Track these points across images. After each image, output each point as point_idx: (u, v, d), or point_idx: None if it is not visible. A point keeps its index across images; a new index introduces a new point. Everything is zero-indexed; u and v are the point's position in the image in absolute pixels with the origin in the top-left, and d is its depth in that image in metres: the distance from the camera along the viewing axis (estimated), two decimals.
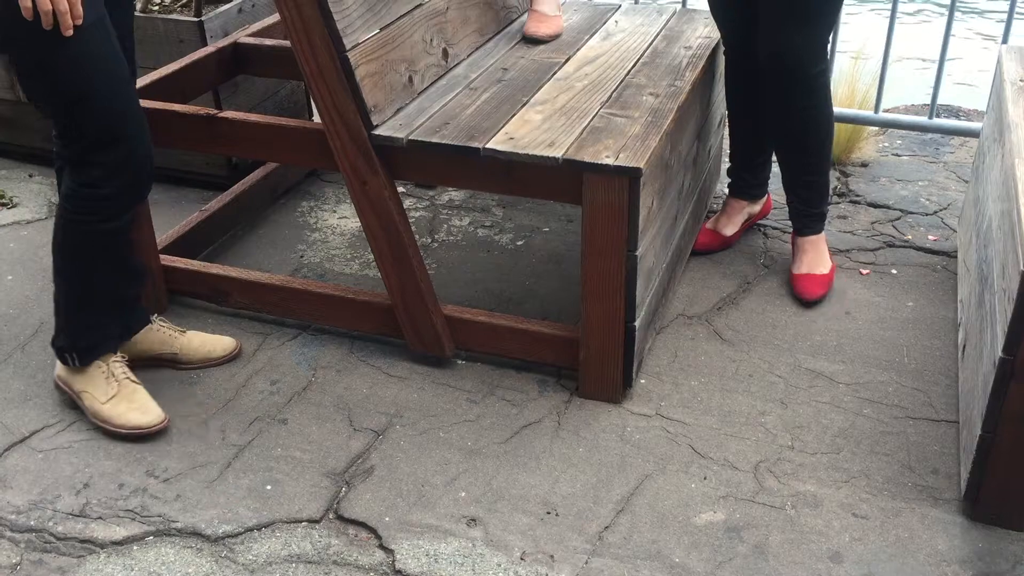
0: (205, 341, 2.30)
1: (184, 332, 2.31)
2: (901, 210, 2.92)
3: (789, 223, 2.67)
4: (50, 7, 1.67)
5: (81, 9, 1.71)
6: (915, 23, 6.21)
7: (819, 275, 2.52)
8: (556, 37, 2.65)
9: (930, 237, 2.77)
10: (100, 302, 2.07)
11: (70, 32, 1.71)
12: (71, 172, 1.91)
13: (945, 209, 2.92)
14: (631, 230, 1.98)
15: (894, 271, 2.62)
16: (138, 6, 2.93)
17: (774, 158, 2.65)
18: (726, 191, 2.77)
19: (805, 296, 2.49)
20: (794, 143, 2.48)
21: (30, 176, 3.21)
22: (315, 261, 2.74)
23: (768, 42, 2.31)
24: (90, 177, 1.89)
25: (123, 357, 2.15)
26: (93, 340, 2.08)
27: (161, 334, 2.28)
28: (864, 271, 2.62)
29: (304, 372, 2.28)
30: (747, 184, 2.69)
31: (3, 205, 3.02)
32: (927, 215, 2.89)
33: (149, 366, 2.26)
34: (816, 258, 2.55)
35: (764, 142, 2.64)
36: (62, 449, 2.05)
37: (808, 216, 2.55)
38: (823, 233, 2.57)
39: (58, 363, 2.13)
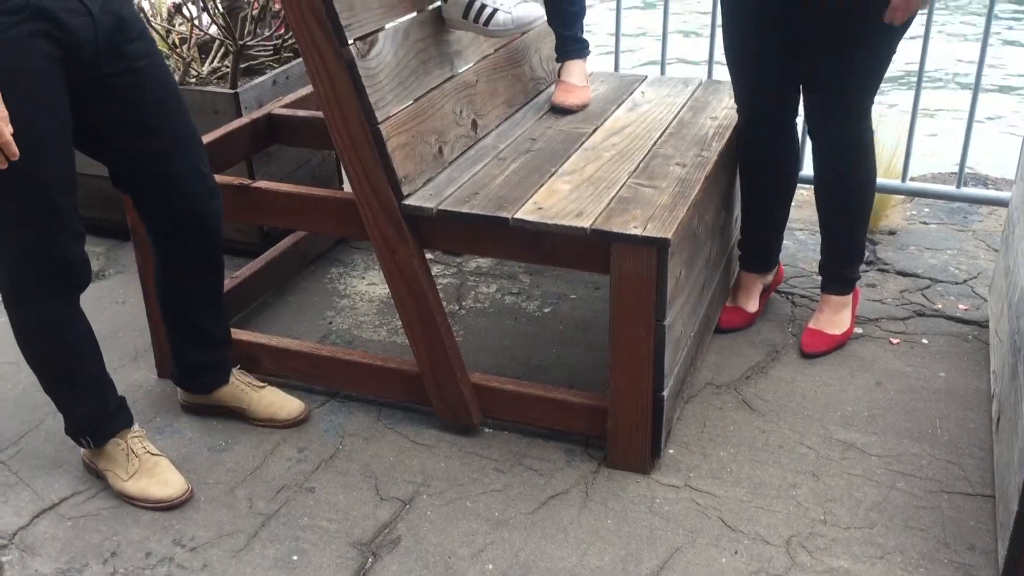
0: (273, 401, 2.32)
1: (261, 387, 2.35)
2: (931, 279, 2.91)
3: (817, 291, 2.66)
4: None
5: (15, 148, 1.68)
6: (942, 89, 6.24)
7: (828, 334, 2.54)
8: (584, 107, 2.69)
9: (960, 306, 2.76)
10: (80, 385, 2.06)
11: (4, 166, 1.69)
12: None
13: (975, 278, 2.90)
14: (659, 300, 1.98)
15: (925, 341, 2.60)
16: (176, 77, 3.01)
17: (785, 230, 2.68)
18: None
19: (804, 348, 2.54)
20: (837, 203, 2.50)
21: None
22: (343, 328, 2.75)
23: (817, 100, 2.34)
24: (3, 267, 1.90)
25: (141, 431, 2.16)
26: (93, 422, 2.09)
27: (234, 387, 2.32)
28: (894, 340, 2.60)
29: (332, 439, 2.28)
30: (760, 259, 2.69)
31: None
32: (957, 284, 2.87)
33: (224, 416, 2.33)
34: (832, 318, 2.57)
35: (777, 217, 2.65)
36: (91, 516, 2.05)
37: (835, 275, 2.57)
38: (848, 297, 2.58)
39: None
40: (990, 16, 2.91)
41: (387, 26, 2.15)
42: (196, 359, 2.28)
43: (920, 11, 2.13)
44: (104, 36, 1.83)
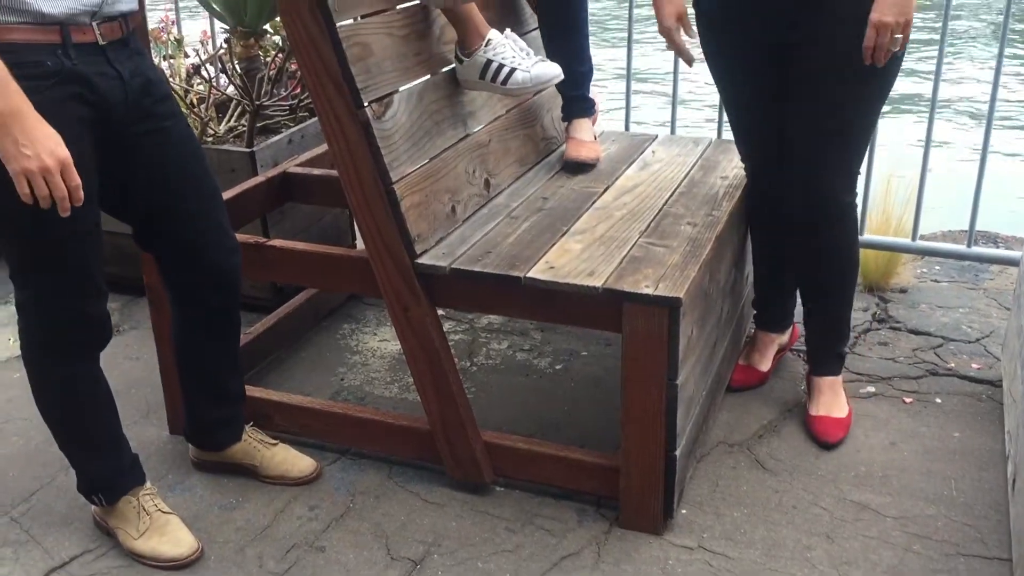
0: (285, 459, 2.33)
1: (273, 445, 2.35)
2: (943, 337, 2.90)
3: None
4: (47, 192, 1.66)
5: (83, 192, 1.70)
6: (949, 147, 6.28)
7: (838, 419, 2.46)
8: (596, 160, 2.72)
9: (974, 365, 2.75)
10: (95, 442, 2.07)
11: (67, 213, 1.70)
12: (17, 310, 1.94)
13: (987, 337, 2.89)
14: (671, 359, 1.99)
15: (938, 400, 2.59)
16: None
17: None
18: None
19: (825, 439, 2.41)
20: (817, 279, 2.47)
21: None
22: (355, 384, 2.76)
23: (797, 168, 2.33)
24: (25, 323, 1.93)
25: (153, 488, 2.16)
26: (106, 480, 2.09)
27: (247, 445, 2.32)
28: (907, 400, 2.59)
29: (343, 498, 2.27)
30: (774, 317, 2.69)
31: None
32: (969, 343, 2.87)
33: (235, 473, 2.33)
34: (833, 400, 2.49)
35: (789, 276, 2.64)
36: (101, 575, 2.05)
37: (827, 356, 2.51)
38: (840, 376, 2.52)
39: None
40: (997, 80, 2.94)
41: (402, 88, 2.20)
42: (210, 415, 2.29)
43: (894, 49, 2.11)
44: (133, 98, 1.87)
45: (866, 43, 2.09)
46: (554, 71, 2.34)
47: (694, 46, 2.40)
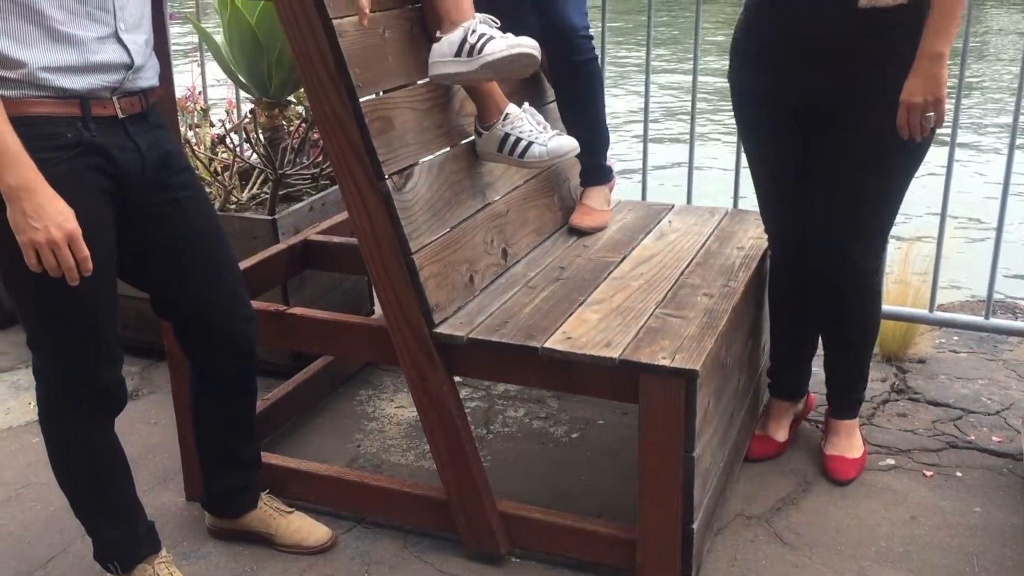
0: (300, 528, 2.32)
1: (289, 513, 2.35)
2: (962, 409, 2.88)
3: None
4: (55, 263, 1.71)
5: (91, 264, 1.75)
6: (967, 218, 6.29)
7: (852, 459, 2.56)
8: (600, 230, 2.76)
9: (994, 438, 2.72)
10: (111, 508, 2.07)
11: (75, 283, 1.75)
12: (34, 376, 1.96)
13: (1008, 409, 2.87)
14: (688, 431, 1.98)
15: (959, 474, 2.56)
16: (216, 205, 3.11)
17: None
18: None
19: (838, 477, 2.53)
20: (842, 336, 2.55)
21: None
22: (371, 451, 2.76)
23: (828, 237, 2.38)
24: (43, 388, 1.96)
25: (168, 556, 2.16)
26: (122, 548, 2.09)
27: (262, 512, 2.32)
28: (928, 473, 2.56)
29: (358, 567, 2.26)
30: (790, 386, 2.69)
31: None
32: (989, 415, 2.84)
33: (251, 540, 2.33)
34: (848, 442, 2.59)
35: (806, 345, 2.65)
36: None
37: (847, 400, 2.60)
38: (856, 419, 2.61)
39: None
40: (1012, 152, 2.96)
41: (422, 160, 2.24)
42: (226, 482, 2.29)
43: (928, 126, 2.16)
44: (151, 171, 1.91)
45: (899, 122, 2.16)
46: (570, 145, 2.38)
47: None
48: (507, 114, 2.33)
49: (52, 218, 1.68)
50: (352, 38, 2.05)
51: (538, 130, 2.34)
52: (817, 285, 2.49)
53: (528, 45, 2.22)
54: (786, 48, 2.28)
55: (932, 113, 2.13)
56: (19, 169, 1.66)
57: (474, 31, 2.17)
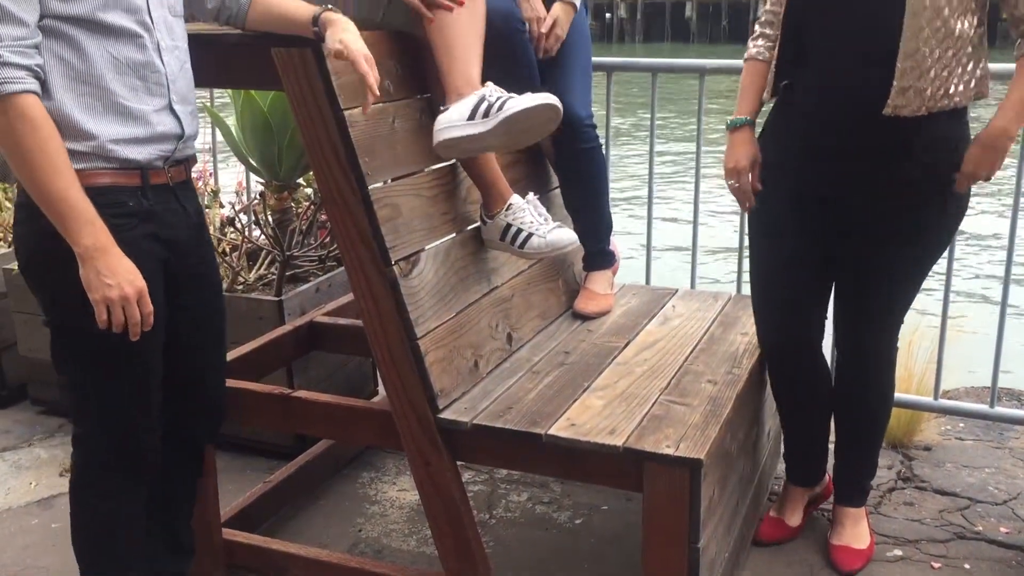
0: None
1: None
2: (969, 498, 2.85)
3: None
4: (123, 318, 1.80)
5: (152, 319, 1.84)
6: (970, 302, 6.31)
7: (858, 549, 2.53)
8: (604, 314, 2.78)
9: (1002, 529, 2.69)
10: None
11: (137, 338, 1.83)
12: (73, 444, 2.02)
13: (1015, 499, 2.84)
14: (693, 521, 1.97)
15: (967, 566, 2.53)
16: (224, 284, 3.14)
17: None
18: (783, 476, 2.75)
19: (844, 568, 2.50)
20: (855, 425, 2.54)
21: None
22: (373, 536, 2.73)
23: (846, 328, 2.42)
24: (82, 456, 2.01)
25: None
26: None
27: None
28: (936, 564, 2.53)
29: None
30: (802, 473, 2.68)
31: None
32: (997, 505, 2.82)
33: None
34: (855, 531, 2.56)
35: (817, 430, 2.64)
36: None
37: (854, 488, 2.58)
38: (864, 508, 2.59)
39: None
40: (1012, 237, 2.99)
41: (429, 246, 2.27)
42: (160, 566, 2.24)
43: (984, 181, 2.22)
44: (194, 234, 2.03)
45: (957, 186, 2.22)
46: (569, 238, 2.40)
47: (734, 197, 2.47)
48: (510, 204, 2.36)
49: (124, 275, 1.78)
50: (362, 128, 2.10)
51: (539, 221, 2.37)
52: (839, 378, 2.53)
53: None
54: (809, 148, 2.30)
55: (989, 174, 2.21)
56: (94, 231, 1.76)
57: (491, 94, 2.15)
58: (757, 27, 2.44)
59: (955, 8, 2.10)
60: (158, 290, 1.92)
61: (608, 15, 37.75)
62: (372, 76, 1.90)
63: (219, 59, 2.18)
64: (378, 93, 1.92)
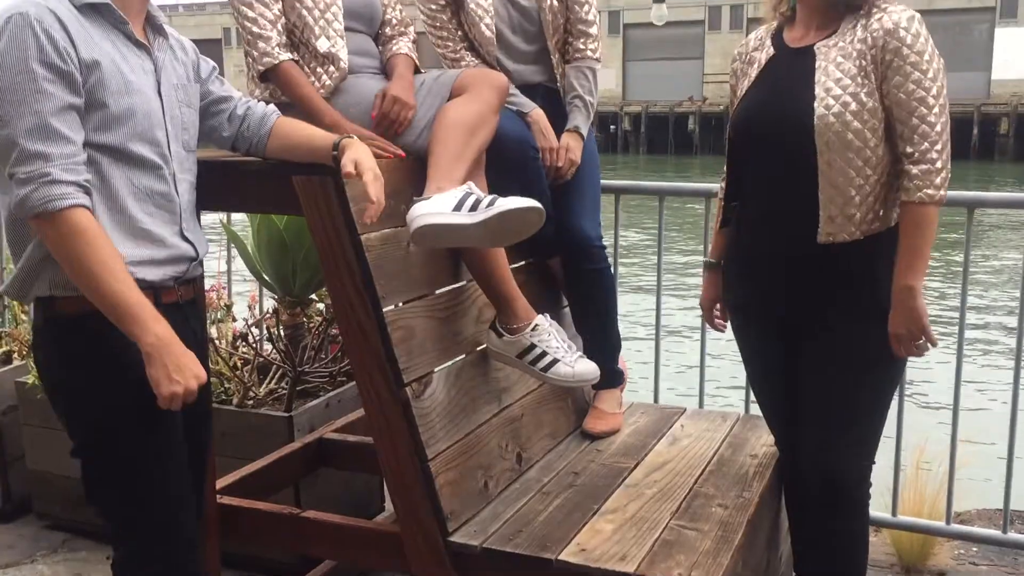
0: None
1: None
2: None
3: None
4: (180, 405, 1.83)
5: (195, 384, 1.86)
6: (978, 417, 6.28)
7: None
8: (613, 433, 2.78)
9: None
10: None
11: (178, 407, 1.84)
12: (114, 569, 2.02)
13: None
14: None
15: None
16: (235, 400, 3.16)
17: None
18: None
19: None
20: (824, 556, 2.45)
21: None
22: None
23: (809, 451, 2.37)
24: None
25: None
26: None
27: None
28: None
29: None
30: None
31: None
32: None
33: None
34: None
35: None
36: None
37: None
38: None
39: None
40: (1019, 360, 3.01)
41: (440, 368, 2.29)
42: None
43: (924, 351, 2.22)
44: (197, 352, 1.97)
45: (894, 350, 2.23)
46: (594, 373, 2.42)
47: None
48: (536, 325, 2.37)
49: (189, 370, 1.82)
50: (378, 252, 2.15)
51: (564, 347, 2.38)
52: (801, 501, 2.49)
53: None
54: (761, 267, 2.38)
55: (922, 340, 2.21)
56: (158, 327, 1.79)
57: (477, 191, 2.15)
58: (726, 168, 2.55)
59: (866, 138, 2.17)
60: (177, 419, 1.94)
61: (612, 127, 38.66)
62: (374, 189, 1.97)
63: (240, 185, 2.26)
64: (375, 202, 1.97)
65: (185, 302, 2.03)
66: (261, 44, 2.37)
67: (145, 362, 1.79)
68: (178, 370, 1.80)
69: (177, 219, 1.98)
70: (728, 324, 2.62)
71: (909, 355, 2.24)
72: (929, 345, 2.21)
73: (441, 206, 2.11)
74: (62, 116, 1.75)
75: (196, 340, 2.05)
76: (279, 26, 2.40)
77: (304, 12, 2.40)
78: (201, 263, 2.09)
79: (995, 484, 3.27)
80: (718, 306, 2.62)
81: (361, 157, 2.01)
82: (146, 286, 1.89)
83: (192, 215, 2.05)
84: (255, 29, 2.37)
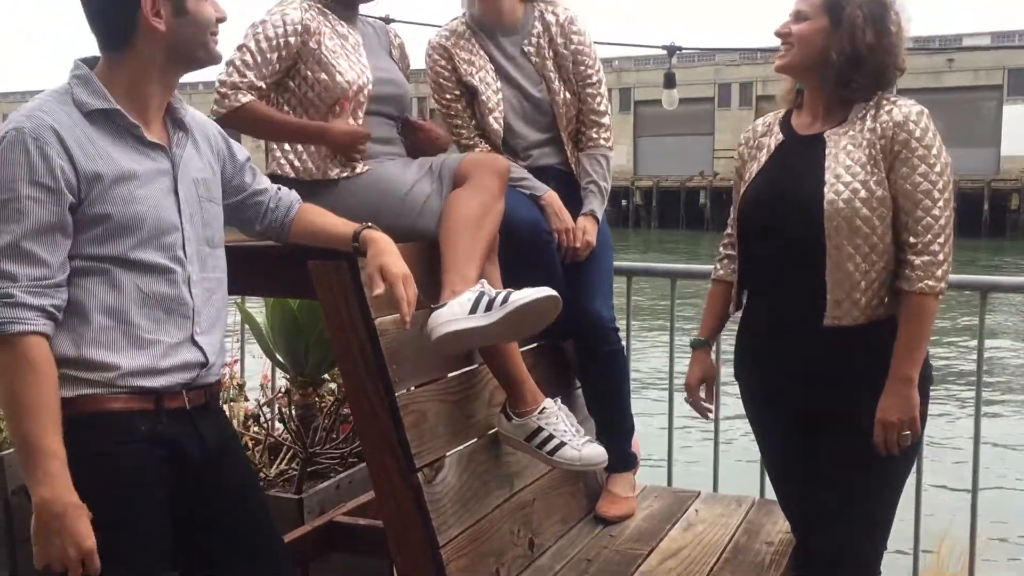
0: None
1: None
2: None
3: None
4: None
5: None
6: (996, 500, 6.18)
7: None
8: (627, 517, 2.75)
9: None
10: None
11: None
12: None
13: None
14: None
15: None
16: None
17: None
18: None
19: None
20: None
21: None
22: None
23: (817, 545, 2.33)
24: None
25: None
26: None
27: None
28: None
29: None
30: None
31: None
32: None
33: None
34: None
35: None
36: None
37: None
38: None
39: None
40: None
41: (452, 452, 2.28)
42: None
43: (904, 444, 2.19)
44: (213, 458, 1.95)
45: (875, 439, 2.19)
46: (602, 457, 2.40)
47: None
48: (544, 408, 2.36)
49: (71, 537, 1.70)
50: (391, 336, 2.16)
51: (571, 431, 2.37)
52: None
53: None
54: (768, 360, 2.37)
55: (908, 432, 2.18)
56: (55, 486, 1.69)
57: (490, 289, 2.17)
58: (721, 248, 2.57)
59: (874, 225, 2.18)
60: (162, 523, 1.85)
61: (624, 202, 38.98)
62: (407, 302, 1.96)
63: (257, 270, 2.28)
64: (408, 319, 1.97)
65: (194, 408, 1.92)
66: (235, 77, 2.35)
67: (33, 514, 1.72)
68: (58, 535, 1.69)
69: (189, 324, 1.89)
70: (712, 408, 2.62)
71: (890, 448, 2.19)
72: (911, 440, 2.19)
73: (458, 311, 2.14)
74: (39, 237, 1.71)
75: (203, 447, 1.94)
76: (265, 70, 2.38)
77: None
78: (216, 370, 1.99)
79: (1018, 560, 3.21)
80: (703, 387, 2.57)
81: (386, 263, 1.98)
82: (148, 392, 1.84)
83: (212, 318, 1.95)
84: (242, 57, 2.37)
